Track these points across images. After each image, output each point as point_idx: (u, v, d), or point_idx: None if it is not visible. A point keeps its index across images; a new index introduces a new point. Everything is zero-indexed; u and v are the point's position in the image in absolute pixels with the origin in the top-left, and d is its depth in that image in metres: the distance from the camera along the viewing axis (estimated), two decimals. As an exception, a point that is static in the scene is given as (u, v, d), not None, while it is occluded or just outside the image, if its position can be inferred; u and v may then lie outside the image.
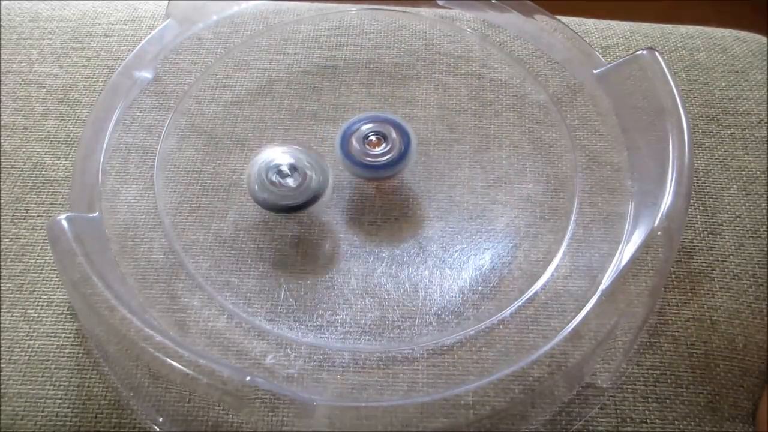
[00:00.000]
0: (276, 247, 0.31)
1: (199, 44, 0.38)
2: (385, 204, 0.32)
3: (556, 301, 0.29)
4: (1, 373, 0.28)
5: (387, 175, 0.31)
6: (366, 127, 0.31)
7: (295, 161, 0.29)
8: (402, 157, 0.30)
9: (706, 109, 0.36)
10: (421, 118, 0.35)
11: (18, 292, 0.30)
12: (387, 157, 0.30)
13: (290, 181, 0.29)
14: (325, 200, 0.30)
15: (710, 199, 0.33)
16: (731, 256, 0.31)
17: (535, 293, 0.29)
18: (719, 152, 0.35)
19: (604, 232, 0.31)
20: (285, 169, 0.29)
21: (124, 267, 0.30)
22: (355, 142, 0.31)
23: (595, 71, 0.35)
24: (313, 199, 0.29)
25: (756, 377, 0.29)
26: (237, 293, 0.29)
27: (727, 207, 0.33)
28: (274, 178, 0.29)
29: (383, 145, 0.31)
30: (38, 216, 0.32)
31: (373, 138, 0.31)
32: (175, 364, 0.24)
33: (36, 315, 0.30)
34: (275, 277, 0.30)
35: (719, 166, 0.34)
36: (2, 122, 0.36)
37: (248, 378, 0.24)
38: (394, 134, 0.31)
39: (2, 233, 0.32)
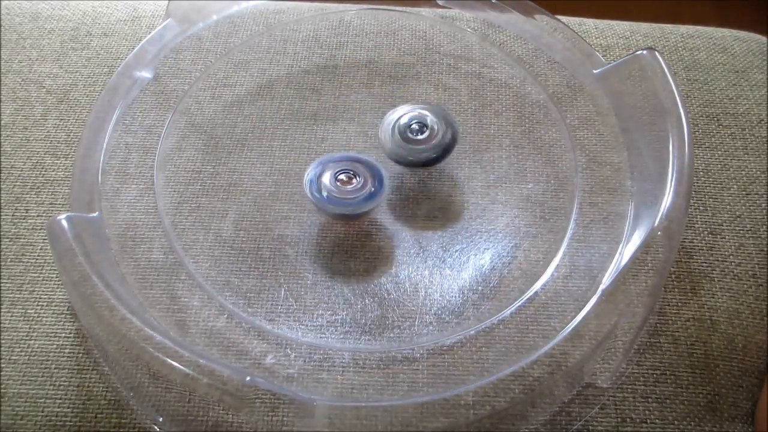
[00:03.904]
0: (276, 247, 0.31)
1: (199, 44, 0.38)
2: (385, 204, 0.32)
3: (556, 301, 0.29)
4: (1, 373, 0.28)
5: (358, 213, 0.30)
6: (337, 167, 0.30)
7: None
8: (373, 195, 0.30)
9: (706, 109, 0.36)
10: (421, 118, 0.35)
11: (18, 292, 0.30)
12: (359, 194, 0.30)
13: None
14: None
15: (710, 199, 0.33)
16: (731, 256, 0.31)
17: (535, 293, 0.29)
18: (719, 152, 0.35)
19: (604, 232, 0.31)
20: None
21: (124, 267, 0.30)
22: (326, 181, 0.30)
23: (595, 71, 0.35)
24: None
25: (755, 377, 0.29)
26: (237, 293, 0.29)
27: (727, 207, 0.33)
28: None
29: (354, 183, 0.30)
30: (38, 216, 0.32)
31: (343, 177, 0.30)
32: (175, 364, 0.24)
33: (36, 315, 0.30)
34: (275, 277, 0.30)
35: (719, 166, 0.34)
36: (2, 122, 0.36)
37: (248, 378, 0.24)
38: (365, 173, 0.30)
39: (2, 233, 0.32)
